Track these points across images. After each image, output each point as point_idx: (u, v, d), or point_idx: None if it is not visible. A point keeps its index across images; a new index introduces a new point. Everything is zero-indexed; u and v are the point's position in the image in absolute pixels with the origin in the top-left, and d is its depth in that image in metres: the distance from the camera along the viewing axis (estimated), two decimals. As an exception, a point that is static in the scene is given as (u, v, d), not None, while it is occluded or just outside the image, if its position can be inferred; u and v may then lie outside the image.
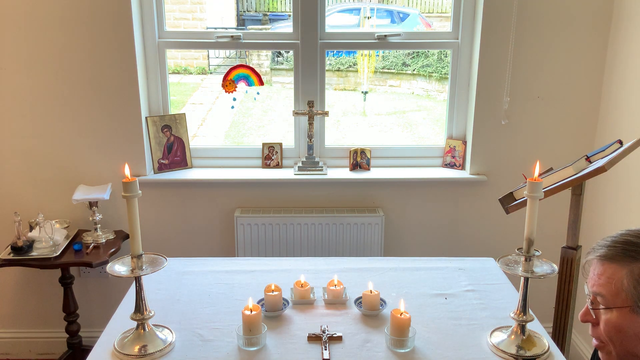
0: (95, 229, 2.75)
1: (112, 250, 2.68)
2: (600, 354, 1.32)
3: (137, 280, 1.76)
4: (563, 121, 2.88)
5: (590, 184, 2.57)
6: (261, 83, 2.91)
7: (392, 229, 2.99)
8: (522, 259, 1.75)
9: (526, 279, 1.76)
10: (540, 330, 1.87)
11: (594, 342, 1.32)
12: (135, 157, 2.84)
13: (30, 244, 2.60)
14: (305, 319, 1.93)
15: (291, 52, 2.93)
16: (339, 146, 3.06)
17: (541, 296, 2.73)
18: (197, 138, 5.53)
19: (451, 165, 3.02)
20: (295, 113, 2.93)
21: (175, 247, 2.97)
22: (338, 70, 6.29)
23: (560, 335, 2.22)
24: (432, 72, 6.15)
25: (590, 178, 2.02)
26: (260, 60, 6.29)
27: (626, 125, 2.64)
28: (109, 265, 1.74)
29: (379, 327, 1.88)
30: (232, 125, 6.08)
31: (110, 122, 2.80)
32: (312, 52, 2.87)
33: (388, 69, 6.43)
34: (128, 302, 2.01)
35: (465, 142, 2.98)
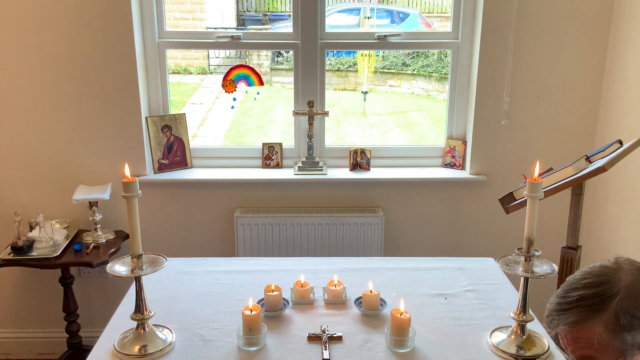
0: (95, 229, 2.75)
1: (112, 250, 2.68)
2: None
3: (137, 280, 1.76)
4: (563, 121, 2.88)
5: (590, 184, 2.57)
6: (261, 83, 2.91)
7: (392, 229, 2.99)
8: (522, 259, 1.75)
9: (526, 279, 1.76)
10: (540, 330, 1.87)
11: None
12: (135, 157, 2.84)
13: (30, 244, 2.60)
14: (305, 319, 1.93)
15: (291, 52, 2.93)
16: (339, 146, 3.06)
17: (541, 296, 2.72)
18: (197, 138, 5.53)
19: (451, 165, 3.02)
20: (295, 113, 2.93)
21: (175, 247, 2.97)
22: (338, 70, 6.30)
23: (560, 335, 2.22)
24: (432, 72, 6.15)
25: (590, 178, 2.02)
26: (260, 60, 6.29)
27: (626, 125, 2.64)
28: (109, 265, 1.74)
29: (379, 327, 1.88)
30: (232, 125, 6.08)
31: (110, 122, 2.80)
32: (312, 52, 2.87)
33: (388, 69, 6.43)
34: (128, 302, 2.01)
35: (465, 142, 2.98)
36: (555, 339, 1.29)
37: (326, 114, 2.92)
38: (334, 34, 2.90)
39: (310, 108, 2.88)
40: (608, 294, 1.19)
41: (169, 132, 2.93)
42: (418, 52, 6.04)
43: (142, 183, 2.75)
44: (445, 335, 1.85)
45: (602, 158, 2.08)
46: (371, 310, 1.95)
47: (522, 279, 1.77)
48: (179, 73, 6.55)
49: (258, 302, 1.96)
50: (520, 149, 2.90)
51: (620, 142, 2.11)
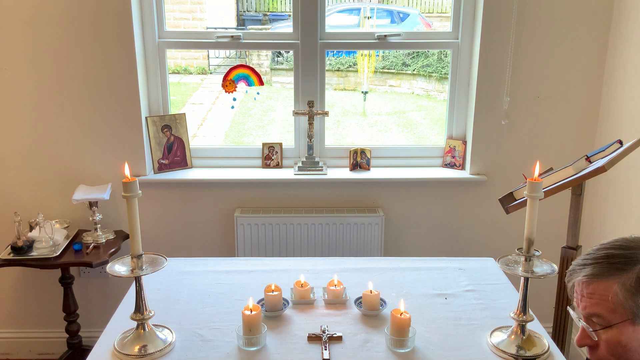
0: (95, 229, 2.75)
1: (112, 250, 2.68)
2: None
3: (137, 280, 1.76)
4: (563, 121, 2.88)
5: (590, 184, 2.57)
6: (261, 83, 2.91)
7: (392, 229, 2.99)
8: (522, 259, 1.75)
9: (526, 279, 1.76)
10: (540, 330, 1.87)
11: None
12: (135, 157, 2.84)
13: (30, 244, 2.60)
14: (305, 319, 1.93)
15: (291, 52, 2.93)
16: (339, 146, 3.06)
17: (541, 296, 2.73)
18: (197, 138, 5.53)
19: (451, 165, 3.02)
20: (295, 113, 2.93)
21: (175, 247, 2.97)
22: (338, 70, 6.30)
23: (560, 335, 2.22)
24: (432, 72, 6.15)
25: (590, 178, 2.02)
26: (260, 60, 6.29)
27: (626, 125, 2.64)
28: (109, 265, 1.74)
29: (379, 327, 1.88)
30: (232, 125, 6.08)
31: (111, 122, 2.80)
32: (312, 52, 2.87)
33: (388, 69, 6.43)
34: (128, 302, 2.01)
35: (465, 142, 2.98)
36: (571, 291, 1.29)
37: (326, 114, 2.92)
38: (334, 34, 2.90)
39: (310, 108, 2.88)
40: (635, 258, 1.20)
41: (169, 132, 2.93)
42: (418, 52, 6.04)
43: (142, 183, 2.75)
44: (445, 335, 1.85)
45: (602, 158, 2.08)
46: (371, 310, 1.95)
47: (522, 279, 1.77)
48: (179, 73, 6.55)
49: (258, 302, 1.96)
50: (520, 149, 2.90)
51: (620, 142, 2.11)
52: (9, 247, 2.61)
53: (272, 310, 1.94)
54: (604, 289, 1.19)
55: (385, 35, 2.90)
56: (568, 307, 1.29)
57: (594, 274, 1.21)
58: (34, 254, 2.58)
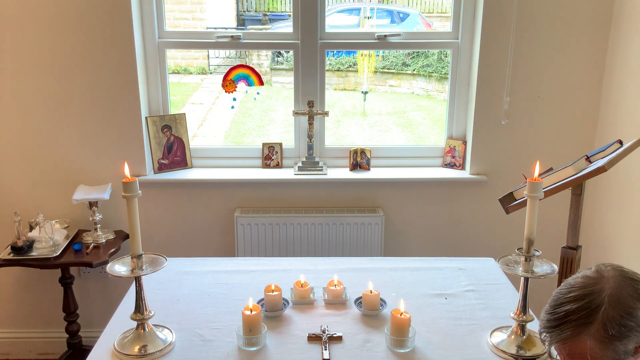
0: (95, 229, 2.75)
1: (112, 250, 2.68)
2: None
3: (137, 280, 1.76)
4: (563, 121, 2.88)
5: (590, 184, 2.57)
6: (261, 83, 2.91)
7: (392, 229, 2.99)
8: (522, 259, 1.75)
9: (526, 279, 1.77)
10: (540, 330, 1.87)
11: None
12: (135, 157, 2.84)
13: (30, 244, 2.60)
14: (305, 319, 1.93)
15: (291, 52, 2.93)
16: (339, 146, 3.06)
17: (541, 296, 2.72)
18: (197, 138, 5.54)
19: (451, 165, 3.02)
20: (295, 113, 2.93)
21: (175, 247, 2.97)
22: (338, 70, 6.30)
23: (560, 335, 2.22)
24: (432, 72, 6.15)
25: (590, 178, 2.02)
26: (260, 60, 6.30)
27: (626, 125, 2.64)
28: (109, 265, 1.75)
29: (379, 327, 1.88)
30: (232, 125, 6.08)
31: (110, 122, 2.80)
32: (312, 52, 2.87)
33: (388, 69, 6.44)
34: (128, 302, 2.01)
35: (465, 142, 2.98)
36: (551, 348, 1.29)
37: (326, 114, 2.92)
38: (334, 34, 2.90)
39: (310, 108, 2.88)
40: (593, 306, 1.19)
41: (169, 132, 2.93)
42: (418, 52, 6.05)
43: (142, 183, 2.75)
44: (445, 335, 1.85)
45: (602, 158, 2.08)
46: (371, 310, 1.95)
47: (522, 279, 1.77)
48: (179, 73, 6.55)
49: (258, 302, 1.97)
50: (520, 149, 2.90)
51: (620, 142, 2.11)
52: (9, 247, 2.61)
53: (272, 310, 1.94)
54: (580, 348, 1.20)
55: (385, 35, 2.90)
56: None
57: (564, 338, 1.21)
58: (34, 254, 2.58)
